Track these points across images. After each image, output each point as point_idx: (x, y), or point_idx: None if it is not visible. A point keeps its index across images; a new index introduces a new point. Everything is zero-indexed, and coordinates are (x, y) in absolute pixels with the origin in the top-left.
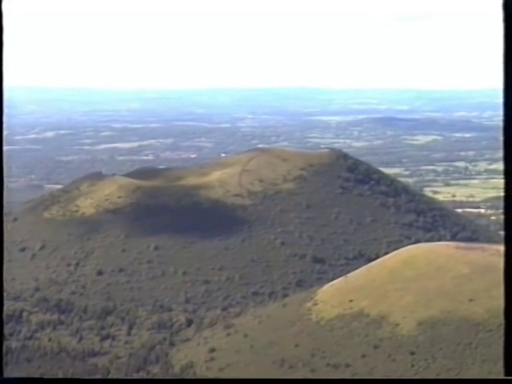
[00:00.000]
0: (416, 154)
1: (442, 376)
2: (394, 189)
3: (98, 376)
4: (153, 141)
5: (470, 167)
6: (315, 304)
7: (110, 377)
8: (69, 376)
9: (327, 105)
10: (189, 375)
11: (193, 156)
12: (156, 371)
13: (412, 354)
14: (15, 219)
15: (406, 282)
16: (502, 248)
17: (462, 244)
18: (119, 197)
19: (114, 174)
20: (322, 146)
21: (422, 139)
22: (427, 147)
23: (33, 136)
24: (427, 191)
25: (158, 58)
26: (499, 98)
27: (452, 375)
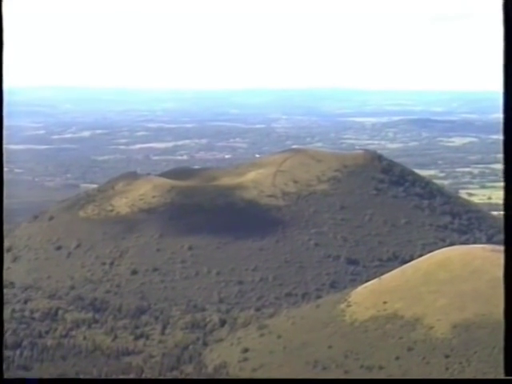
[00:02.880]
0: (452, 155)
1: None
2: (429, 191)
3: (132, 375)
4: (187, 141)
5: None
6: (349, 305)
7: (143, 376)
8: (103, 375)
9: (362, 106)
10: (222, 375)
11: (227, 156)
12: (189, 371)
13: (446, 356)
14: (51, 218)
15: (441, 285)
16: None
17: (498, 247)
18: (154, 196)
19: (148, 174)
20: (357, 148)
21: (457, 141)
22: (463, 149)
23: (69, 135)
24: (463, 193)
25: (194, 58)
26: None
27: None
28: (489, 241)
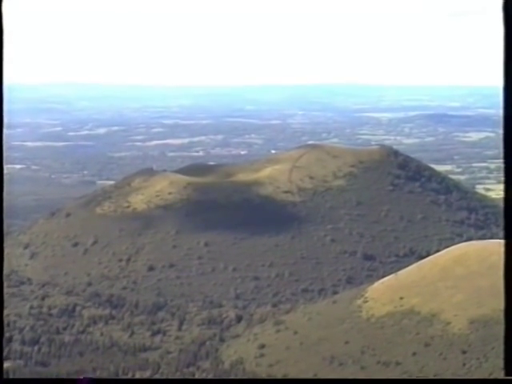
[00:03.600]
0: (468, 151)
1: (495, 376)
2: (446, 186)
3: (149, 371)
4: (203, 137)
5: None
6: (365, 301)
7: (160, 372)
8: (120, 371)
9: (378, 101)
10: (239, 371)
11: (243, 152)
12: (206, 367)
13: (464, 352)
14: (68, 214)
15: (458, 280)
16: None
17: None
18: (170, 193)
19: (164, 170)
20: (373, 143)
21: (474, 136)
22: (480, 144)
23: (85, 132)
24: (479, 189)
25: (209, 54)
26: None
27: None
28: None
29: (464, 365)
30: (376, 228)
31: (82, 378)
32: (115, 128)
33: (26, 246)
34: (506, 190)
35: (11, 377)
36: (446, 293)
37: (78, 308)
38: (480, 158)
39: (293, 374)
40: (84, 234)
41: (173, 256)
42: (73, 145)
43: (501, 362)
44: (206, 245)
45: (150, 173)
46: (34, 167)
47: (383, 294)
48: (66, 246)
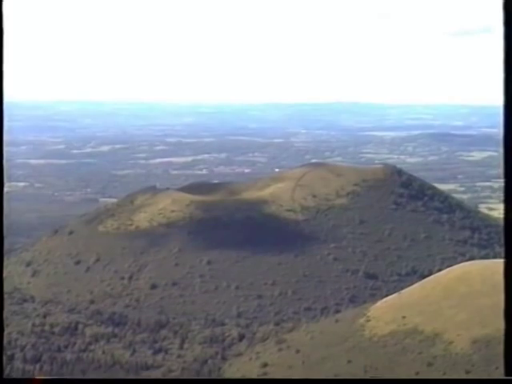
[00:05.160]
0: (471, 170)
1: None
2: (449, 205)
3: None
4: (206, 155)
5: None
6: (368, 320)
7: None
8: None
9: (381, 120)
10: None
11: (246, 171)
12: None
13: (467, 372)
14: (71, 232)
15: (461, 299)
16: None
17: None
18: (173, 211)
19: (167, 189)
20: (376, 162)
21: (477, 155)
22: (483, 163)
23: (89, 150)
24: (482, 208)
25: (212, 72)
26: None
27: None
28: None
29: None
30: (379, 247)
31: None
32: (118, 146)
33: (29, 264)
34: (506, 210)
35: None
36: (449, 312)
37: (80, 326)
38: (483, 177)
39: None
40: (87, 252)
41: (175, 274)
42: (76, 162)
43: None
44: (209, 263)
45: (153, 191)
46: (37, 185)
47: (386, 312)
48: (69, 263)
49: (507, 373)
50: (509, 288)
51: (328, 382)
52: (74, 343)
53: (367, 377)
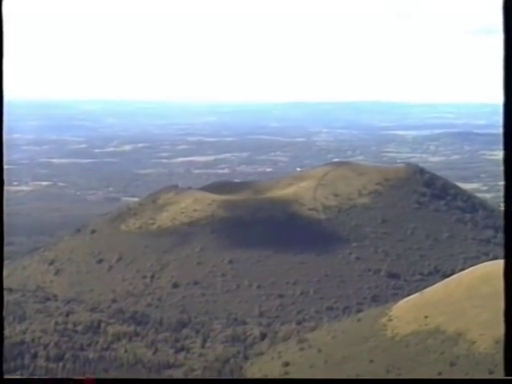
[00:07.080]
0: (494, 169)
1: None
2: (472, 204)
3: None
4: (228, 154)
5: None
6: (390, 320)
7: None
8: None
9: (403, 119)
10: None
11: (268, 170)
12: None
13: (490, 372)
14: (93, 231)
15: (484, 299)
16: None
17: None
18: (195, 210)
19: (189, 188)
20: (398, 161)
21: (500, 154)
22: None
23: (111, 149)
24: None
25: (234, 71)
26: None
27: None
28: None
29: None
30: (401, 246)
31: (86, 378)
32: (141, 145)
33: (52, 262)
34: (507, 210)
35: None
36: (472, 312)
37: (102, 325)
38: None
39: None
40: (109, 251)
41: (197, 273)
42: (98, 162)
43: None
44: (231, 262)
45: (175, 190)
46: (60, 184)
47: (408, 312)
48: (91, 262)
49: (507, 373)
50: (509, 288)
51: (350, 382)
52: (97, 342)
53: (389, 377)
